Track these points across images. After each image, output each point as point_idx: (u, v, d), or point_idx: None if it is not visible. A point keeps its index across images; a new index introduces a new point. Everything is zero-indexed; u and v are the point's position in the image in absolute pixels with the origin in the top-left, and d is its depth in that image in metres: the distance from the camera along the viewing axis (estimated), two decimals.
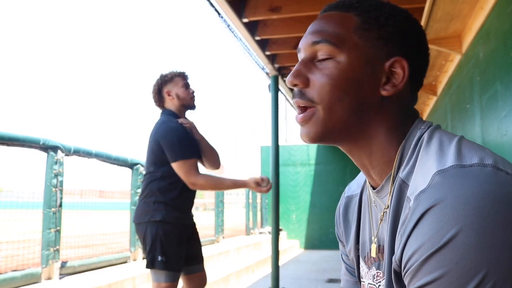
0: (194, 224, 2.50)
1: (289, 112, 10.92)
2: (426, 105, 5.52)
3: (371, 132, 0.67)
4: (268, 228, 9.06)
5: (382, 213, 0.69)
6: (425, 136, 0.63)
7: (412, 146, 0.64)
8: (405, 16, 0.68)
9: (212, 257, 5.26)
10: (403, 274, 0.56)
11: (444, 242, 0.49)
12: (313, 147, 9.78)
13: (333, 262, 6.97)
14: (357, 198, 0.82)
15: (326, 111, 0.66)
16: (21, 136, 3.11)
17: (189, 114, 2.54)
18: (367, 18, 0.67)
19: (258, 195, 9.69)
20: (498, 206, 0.49)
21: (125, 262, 4.33)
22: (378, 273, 0.71)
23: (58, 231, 3.40)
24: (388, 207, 0.66)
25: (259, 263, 6.19)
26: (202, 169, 2.62)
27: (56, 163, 3.42)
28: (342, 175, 9.36)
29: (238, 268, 5.29)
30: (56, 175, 3.42)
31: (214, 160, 2.57)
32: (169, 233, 2.26)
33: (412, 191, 0.57)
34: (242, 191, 10.61)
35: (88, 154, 3.83)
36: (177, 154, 2.29)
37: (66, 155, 3.55)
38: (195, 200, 2.54)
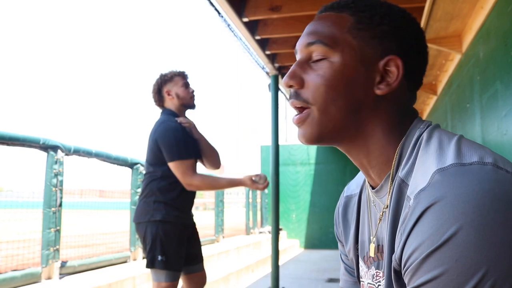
0: (194, 223, 2.50)
1: (289, 112, 10.92)
2: (426, 105, 5.52)
3: (368, 131, 0.67)
4: (268, 228, 9.06)
5: (381, 213, 0.69)
6: (424, 135, 0.63)
7: (411, 145, 0.64)
8: (401, 15, 0.68)
9: (212, 257, 5.26)
10: (403, 272, 0.56)
11: (444, 240, 0.49)
12: (313, 146, 9.77)
13: (333, 262, 6.97)
14: (356, 197, 0.82)
15: (321, 111, 0.66)
16: (21, 135, 3.11)
17: (189, 113, 2.54)
18: (362, 18, 0.67)
19: (258, 194, 9.69)
20: (498, 204, 0.49)
21: (125, 261, 4.33)
22: (378, 273, 0.71)
23: (58, 231, 3.40)
24: (387, 206, 0.66)
25: (259, 262, 6.19)
26: (203, 169, 2.62)
27: (56, 162, 3.42)
28: (342, 175, 9.36)
29: (238, 268, 5.29)
30: (56, 175, 3.42)
31: (214, 160, 2.56)
32: (169, 232, 2.26)
33: (412, 190, 0.57)
34: (242, 191, 10.61)
35: (88, 154, 3.82)
36: (174, 154, 2.28)
37: (66, 154, 3.55)
38: (195, 200, 2.54)
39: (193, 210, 2.53)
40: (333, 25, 0.68)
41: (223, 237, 7.16)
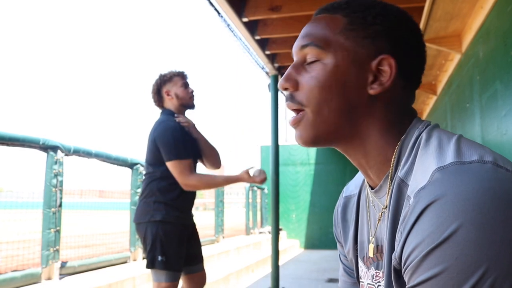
0: (194, 224, 2.50)
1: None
2: (426, 105, 5.52)
3: (364, 131, 0.67)
4: (268, 228, 9.06)
5: (380, 213, 0.69)
6: (424, 135, 0.63)
7: (410, 145, 0.63)
8: (395, 14, 0.68)
9: (212, 257, 5.26)
10: (403, 270, 0.56)
11: (444, 238, 0.49)
12: None
13: (333, 262, 6.97)
14: (355, 198, 0.81)
15: (315, 113, 0.67)
16: (21, 136, 3.11)
17: (188, 113, 2.54)
18: (354, 18, 0.67)
19: (258, 195, 9.69)
20: (498, 203, 0.49)
21: (125, 262, 4.33)
22: (377, 273, 0.71)
23: (58, 231, 3.40)
24: (386, 207, 0.66)
25: (259, 262, 6.19)
26: (203, 169, 2.62)
27: (56, 163, 3.42)
28: (342, 175, 9.36)
29: (238, 268, 5.29)
30: (56, 175, 3.41)
31: (214, 160, 2.56)
32: (169, 233, 2.26)
33: (412, 189, 0.56)
34: (242, 191, 10.61)
35: (88, 154, 3.82)
36: (171, 154, 2.28)
37: (66, 155, 3.55)
38: (195, 200, 2.54)
39: (193, 211, 2.52)
40: (326, 27, 0.68)
41: (223, 237, 7.15)
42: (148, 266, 2.25)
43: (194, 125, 2.48)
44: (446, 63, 3.86)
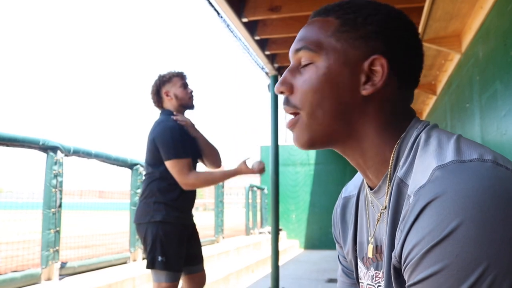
0: (194, 224, 2.50)
1: None
2: (426, 105, 5.52)
3: (360, 132, 0.67)
4: (268, 228, 9.06)
5: (379, 214, 0.69)
6: (423, 135, 0.63)
7: (409, 145, 0.63)
8: (387, 13, 0.68)
9: (212, 257, 5.26)
10: (403, 268, 0.56)
11: (444, 235, 0.49)
12: None
13: (333, 262, 6.97)
14: (355, 199, 0.81)
15: (308, 116, 0.67)
16: (21, 136, 3.11)
17: (188, 113, 2.54)
18: (346, 20, 0.67)
19: (258, 195, 9.69)
20: (498, 201, 0.49)
21: (125, 262, 4.33)
22: (377, 274, 0.71)
23: (58, 232, 3.40)
24: (385, 207, 0.66)
25: (259, 263, 6.18)
26: (204, 168, 2.62)
27: (55, 163, 3.42)
28: (342, 175, 9.36)
29: (238, 268, 5.29)
30: (55, 176, 3.41)
31: (214, 158, 2.56)
32: (169, 233, 2.26)
33: (412, 189, 0.56)
34: (241, 191, 10.60)
35: (87, 155, 3.82)
36: (170, 153, 2.28)
37: (66, 155, 3.55)
38: (195, 200, 2.54)
39: (193, 211, 2.52)
40: (319, 29, 0.69)
41: (223, 237, 7.15)
42: (148, 267, 2.25)
43: (192, 124, 2.48)
44: (446, 63, 3.86)
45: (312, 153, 9.86)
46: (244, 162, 2.44)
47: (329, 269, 6.30)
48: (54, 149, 3.41)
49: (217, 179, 2.51)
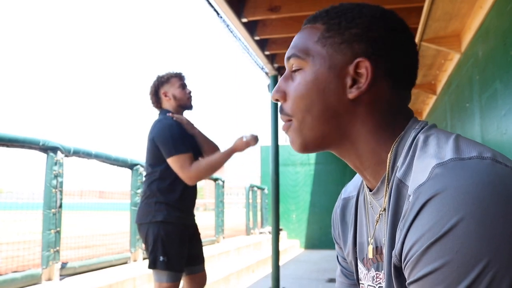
0: (195, 224, 2.51)
1: None
2: (426, 104, 5.52)
3: (353, 135, 0.68)
4: (268, 228, 9.06)
5: (378, 215, 0.69)
6: (421, 135, 0.63)
7: (407, 146, 0.63)
8: (372, 14, 0.68)
9: (213, 257, 5.26)
10: (403, 266, 0.55)
11: (444, 231, 0.49)
12: None
13: (333, 262, 6.91)
14: (354, 200, 0.82)
15: (299, 122, 0.69)
16: (21, 137, 3.11)
17: (187, 114, 2.55)
18: (331, 25, 0.68)
19: (258, 195, 9.69)
20: (498, 197, 0.50)
21: (126, 262, 4.33)
22: (378, 274, 0.71)
23: (58, 232, 3.40)
24: (384, 209, 0.66)
25: (260, 263, 6.19)
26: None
27: (56, 164, 3.42)
28: (342, 175, 9.36)
29: (238, 268, 5.29)
30: (56, 176, 3.42)
31: (213, 153, 2.57)
32: (170, 233, 2.27)
33: (412, 188, 0.57)
34: (242, 191, 10.60)
35: (87, 155, 3.83)
36: (170, 150, 2.29)
37: (66, 156, 3.55)
38: (196, 200, 2.54)
39: (194, 211, 2.53)
40: (307, 37, 0.70)
41: (224, 237, 7.16)
42: (150, 267, 2.25)
43: (189, 121, 2.49)
44: (446, 63, 3.86)
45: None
46: (241, 139, 2.43)
47: (329, 269, 6.30)
48: (54, 149, 3.41)
49: (218, 162, 2.42)
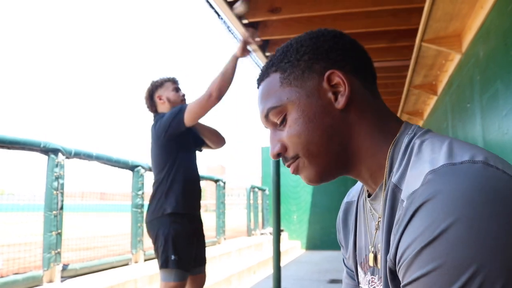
0: (201, 225, 2.56)
1: None
2: (427, 105, 5.52)
3: (354, 144, 0.70)
4: (270, 229, 9.06)
5: (377, 223, 0.71)
6: (417, 141, 0.64)
7: (401, 151, 0.65)
8: (309, 37, 0.72)
9: (214, 258, 5.26)
10: (397, 269, 0.57)
11: (436, 235, 0.50)
12: None
13: (335, 263, 6.97)
14: (355, 204, 0.84)
15: (306, 156, 0.71)
16: (22, 139, 3.12)
17: None
18: (283, 67, 0.72)
19: (259, 195, 9.69)
20: (488, 201, 0.50)
21: (127, 264, 4.33)
22: (373, 279, 0.73)
23: (59, 234, 3.40)
24: (381, 216, 0.67)
25: (261, 264, 6.18)
26: (207, 159, 2.63)
27: (57, 165, 3.42)
28: (343, 176, 9.35)
29: (239, 269, 5.29)
30: (57, 178, 3.42)
31: (216, 138, 2.62)
32: (180, 232, 2.32)
33: (405, 193, 0.58)
34: (243, 192, 10.60)
35: (88, 157, 3.83)
36: (180, 110, 2.34)
37: (67, 157, 3.55)
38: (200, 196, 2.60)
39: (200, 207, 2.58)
40: (269, 89, 0.73)
41: (225, 238, 7.16)
42: (162, 266, 2.30)
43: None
44: (446, 63, 3.86)
45: None
46: (242, 42, 2.46)
47: (331, 270, 6.29)
48: (55, 151, 3.42)
49: (225, 71, 2.40)
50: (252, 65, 4.39)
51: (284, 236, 9.11)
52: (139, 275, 3.69)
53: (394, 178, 0.63)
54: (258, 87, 0.77)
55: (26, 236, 4.27)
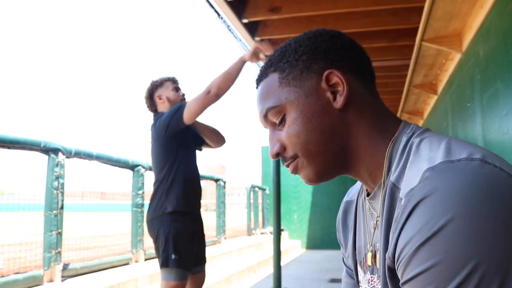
0: (202, 224, 2.56)
1: None
2: (427, 104, 5.51)
3: (353, 144, 0.70)
4: (270, 228, 9.06)
5: (375, 222, 0.71)
6: (415, 140, 0.64)
7: (400, 150, 0.65)
8: (307, 38, 0.72)
9: (214, 258, 5.26)
10: (396, 267, 0.57)
11: (434, 232, 0.50)
12: None
13: (335, 262, 6.97)
14: (354, 204, 0.84)
15: (305, 156, 0.71)
16: (22, 138, 3.12)
17: None
18: (281, 67, 0.72)
19: (259, 195, 9.69)
20: (486, 197, 0.51)
21: (127, 263, 4.34)
22: (372, 278, 0.73)
23: (60, 233, 3.41)
24: (379, 215, 0.68)
25: (261, 263, 6.19)
26: (207, 154, 2.64)
27: (57, 165, 3.42)
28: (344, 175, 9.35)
29: (240, 269, 5.29)
30: (57, 177, 3.42)
31: (216, 137, 2.63)
32: (181, 232, 2.33)
33: (403, 191, 0.58)
34: (243, 191, 10.60)
35: (89, 156, 3.83)
36: (180, 107, 2.35)
37: (67, 157, 3.56)
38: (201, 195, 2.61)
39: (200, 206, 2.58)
40: (268, 89, 0.73)
41: (225, 238, 7.16)
42: (163, 265, 2.30)
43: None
44: (447, 63, 3.86)
45: None
46: (252, 48, 2.46)
47: (331, 269, 6.29)
48: (56, 151, 3.42)
49: (230, 71, 2.40)
50: (252, 64, 4.39)
51: (284, 235, 9.11)
52: (139, 275, 3.69)
53: (393, 177, 0.63)
54: (257, 87, 0.77)
55: (26, 235, 4.27)
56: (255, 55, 2.45)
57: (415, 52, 3.45)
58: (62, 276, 3.40)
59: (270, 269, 5.62)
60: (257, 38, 3.79)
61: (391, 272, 0.60)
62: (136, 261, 4.43)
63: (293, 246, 8.82)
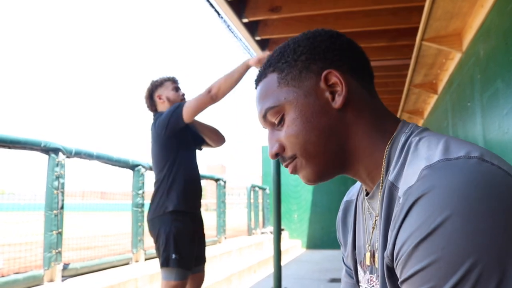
0: (202, 224, 2.57)
1: None
2: (427, 104, 5.51)
3: (352, 144, 0.70)
4: (270, 228, 9.07)
5: (374, 221, 0.71)
6: (414, 138, 0.64)
7: (398, 149, 0.65)
8: (306, 38, 0.72)
9: (214, 258, 5.26)
10: (395, 265, 0.57)
11: (432, 229, 0.50)
12: None
13: (335, 262, 6.97)
14: (354, 203, 0.84)
15: (304, 156, 0.71)
16: (22, 138, 3.12)
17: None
18: (280, 67, 0.72)
19: (260, 195, 9.69)
20: (483, 195, 0.51)
21: (127, 263, 4.34)
22: (371, 277, 0.73)
23: (60, 233, 3.41)
24: (378, 215, 0.68)
25: (261, 263, 6.19)
26: (208, 152, 2.65)
27: (57, 165, 3.42)
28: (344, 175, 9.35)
29: (240, 268, 5.30)
30: (57, 177, 3.42)
31: (216, 136, 2.63)
32: (181, 231, 2.33)
33: (402, 190, 0.58)
34: (243, 191, 10.60)
35: (89, 156, 3.83)
36: (179, 106, 2.35)
37: (67, 157, 3.56)
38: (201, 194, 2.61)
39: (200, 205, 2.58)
40: (267, 89, 0.73)
41: (225, 238, 7.16)
42: (163, 265, 2.31)
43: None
44: (447, 62, 3.86)
45: None
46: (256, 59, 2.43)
47: (331, 269, 6.30)
48: (56, 151, 3.42)
49: (233, 74, 2.38)
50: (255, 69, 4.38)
51: (284, 235, 9.11)
52: (139, 275, 3.69)
53: (391, 176, 0.63)
54: (256, 87, 0.77)
55: (26, 235, 4.27)
56: (260, 62, 2.43)
57: (415, 51, 3.45)
58: (63, 276, 3.40)
59: (270, 269, 5.62)
60: (258, 38, 3.79)
61: (390, 271, 0.60)
62: (137, 261, 4.43)
63: (293, 246, 8.82)
